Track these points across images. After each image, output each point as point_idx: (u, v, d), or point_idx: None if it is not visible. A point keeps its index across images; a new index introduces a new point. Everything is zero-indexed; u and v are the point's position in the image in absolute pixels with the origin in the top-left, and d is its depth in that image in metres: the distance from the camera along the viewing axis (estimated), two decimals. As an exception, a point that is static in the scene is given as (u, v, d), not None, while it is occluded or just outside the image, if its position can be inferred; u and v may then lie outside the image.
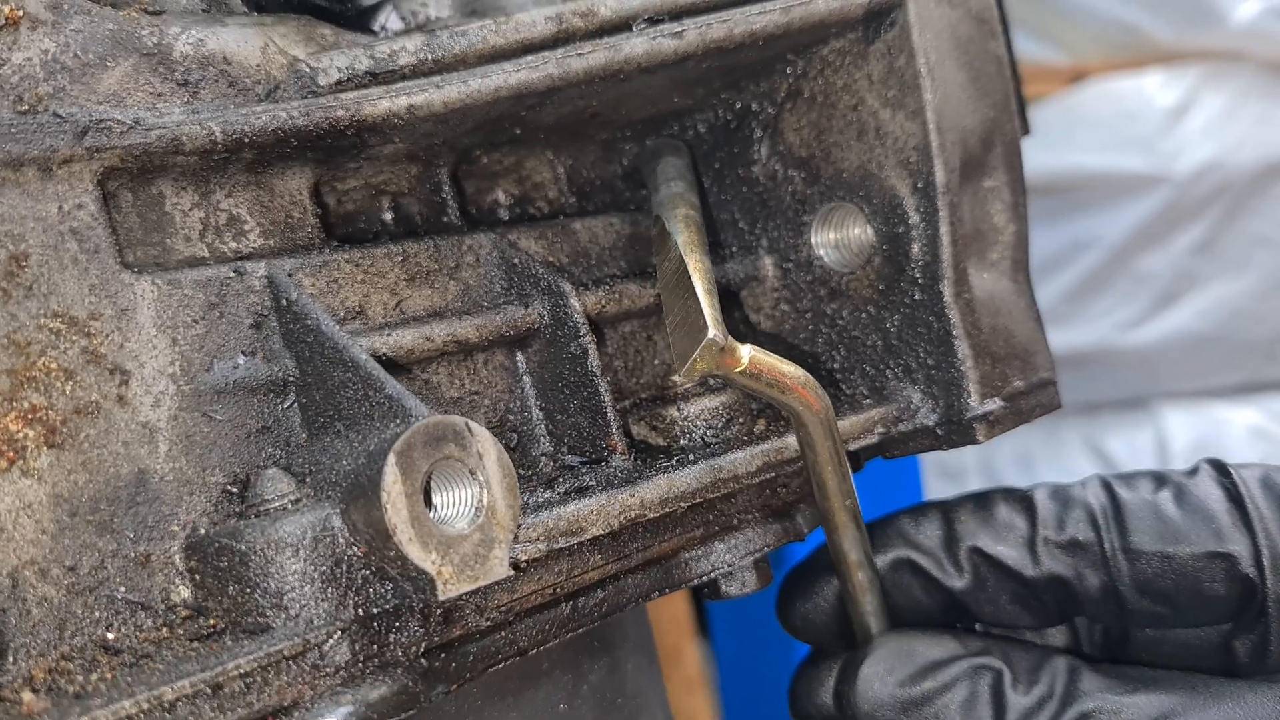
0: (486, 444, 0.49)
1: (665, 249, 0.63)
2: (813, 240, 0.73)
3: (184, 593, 0.50)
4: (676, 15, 0.64)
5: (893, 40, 0.68)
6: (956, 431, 0.70)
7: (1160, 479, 0.68)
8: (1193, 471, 0.68)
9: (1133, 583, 0.65)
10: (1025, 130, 0.82)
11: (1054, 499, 0.69)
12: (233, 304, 0.54)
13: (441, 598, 0.46)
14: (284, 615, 0.48)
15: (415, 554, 0.46)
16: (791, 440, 0.63)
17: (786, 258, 0.75)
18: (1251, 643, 0.65)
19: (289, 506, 0.50)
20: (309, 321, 0.54)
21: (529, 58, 0.60)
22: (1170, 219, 2.11)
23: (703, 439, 0.64)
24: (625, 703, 0.73)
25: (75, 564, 0.48)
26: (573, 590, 0.59)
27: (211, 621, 0.49)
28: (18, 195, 0.48)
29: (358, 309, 0.59)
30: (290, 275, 0.56)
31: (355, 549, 0.48)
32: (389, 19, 0.65)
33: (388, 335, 0.58)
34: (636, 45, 0.62)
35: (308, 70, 0.57)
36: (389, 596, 0.49)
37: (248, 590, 0.48)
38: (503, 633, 0.57)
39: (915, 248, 0.69)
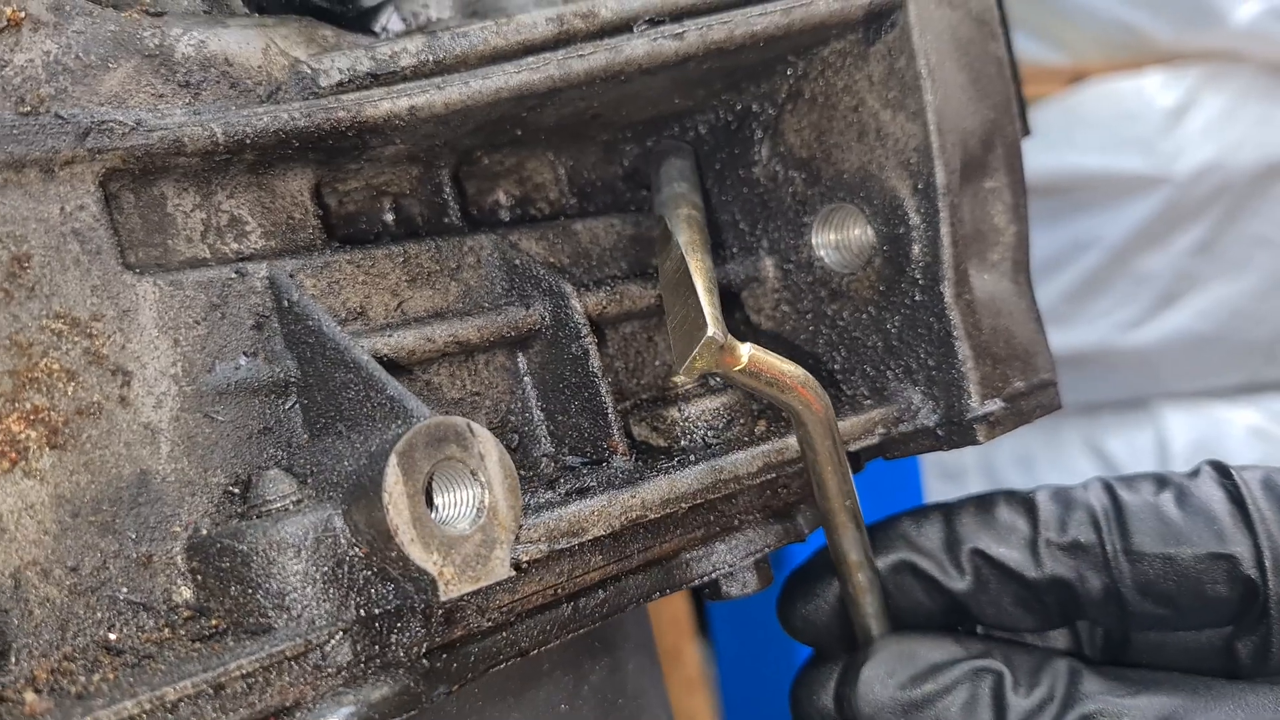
0: (488, 445, 0.49)
1: (667, 249, 0.63)
2: (813, 241, 0.73)
3: (186, 593, 0.50)
4: (677, 16, 0.64)
5: (893, 41, 0.68)
6: (957, 432, 0.70)
7: (1162, 481, 0.68)
8: (1194, 473, 0.68)
9: (1135, 584, 0.66)
10: (1026, 131, 0.82)
11: (1056, 501, 0.69)
12: (234, 305, 0.54)
13: (443, 598, 0.46)
14: (286, 616, 0.48)
15: (417, 555, 0.46)
16: (792, 441, 0.63)
17: (787, 259, 0.75)
18: (1253, 644, 0.65)
19: (291, 507, 0.50)
20: (310, 322, 0.54)
21: (530, 59, 0.60)
22: (1170, 219, 2.12)
23: (704, 440, 0.64)
24: (626, 703, 0.73)
25: (77, 565, 0.48)
26: (574, 591, 0.59)
27: (213, 622, 0.49)
28: (20, 196, 0.48)
29: (359, 310, 0.59)
30: (292, 276, 0.56)
31: (357, 550, 0.48)
32: (390, 20, 0.65)
33: (389, 336, 0.58)
34: (637, 46, 0.62)
35: (309, 71, 0.57)
36: (390, 597, 0.49)
37: (250, 591, 0.48)
38: (504, 633, 0.57)
39: (916, 249, 0.69)
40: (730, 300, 0.76)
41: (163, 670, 0.45)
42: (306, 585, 0.48)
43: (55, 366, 0.48)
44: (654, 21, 0.63)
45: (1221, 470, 0.68)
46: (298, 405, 0.55)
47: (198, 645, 0.47)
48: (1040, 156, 2.02)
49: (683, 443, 0.64)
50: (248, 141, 0.54)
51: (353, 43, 0.60)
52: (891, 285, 0.71)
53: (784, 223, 0.75)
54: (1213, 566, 0.64)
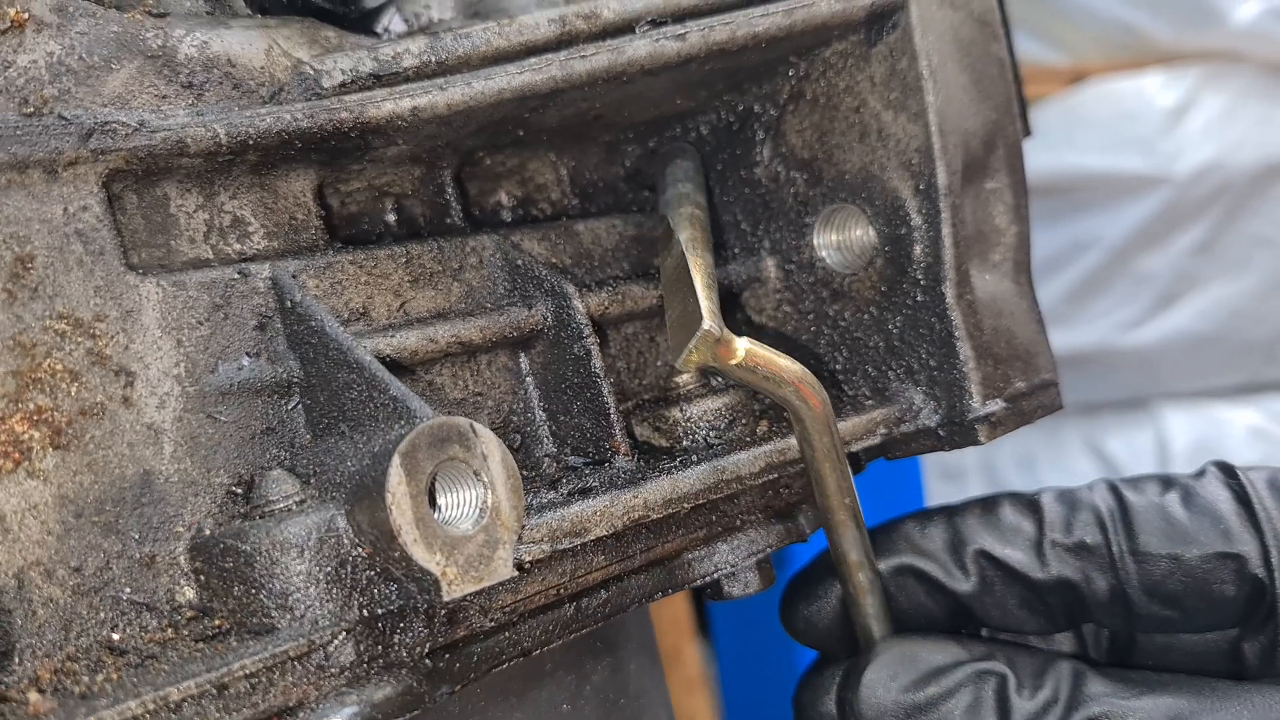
0: (491, 445, 0.49)
1: (669, 246, 0.63)
2: (815, 242, 0.74)
3: (189, 593, 0.50)
4: (679, 17, 0.64)
5: (895, 42, 0.68)
6: (958, 432, 0.70)
7: (1167, 481, 0.68)
8: (1200, 474, 0.68)
9: (1141, 585, 0.65)
10: (1027, 132, 0.82)
11: (1061, 502, 0.68)
12: (237, 306, 0.54)
13: (446, 598, 0.46)
14: (289, 616, 0.48)
15: (420, 555, 0.46)
16: (794, 441, 0.63)
17: (789, 259, 0.75)
18: (1261, 645, 0.65)
19: (294, 507, 0.50)
20: (313, 323, 0.54)
21: (532, 60, 0.60)
22: (1170, 219, 2.12)
23: (706, 440, 0.64)
24: (628, 703, 0.73)
25: (81, 565, 0.48)
26: (576, 591, 0.59)
27: (216, 622, 0.49)
28: (23, 197, 0.48)
29: (361, 310, 0.59)
30: (294, 277, 0.56)
31: (360, 550, 0.48)
32: (392, 21, 0.65)
33: (391, 336, 0.58)
34: (639, 47, 0.62)
35: (312, 72, 0.57)
36: (393, 597, 0.49)
37: (253, 591, 0.48)
38: (506, 633, 0.57)
39: (917, 249, 0.69)
40: (732, 301, 0.76)
41: (166, 670, 0.45)
42: (310, 585, 0.48)
43: (58, 367, 0.48)
44: (656, 22, 0.63)
45: (1227, 470, 0.67)
46: (300, 406, 0.55)
47: (201, 645, 0.47)
48: (1040, 156, 2.02)
49: (685, 443, 0.64)
50: (250, 142, 0.54)
51: (355, 44, 0.60)
52: (893, 286, 0.71)
53: (786, 223, 0.75)
54: (1219, 566, 0.64)
